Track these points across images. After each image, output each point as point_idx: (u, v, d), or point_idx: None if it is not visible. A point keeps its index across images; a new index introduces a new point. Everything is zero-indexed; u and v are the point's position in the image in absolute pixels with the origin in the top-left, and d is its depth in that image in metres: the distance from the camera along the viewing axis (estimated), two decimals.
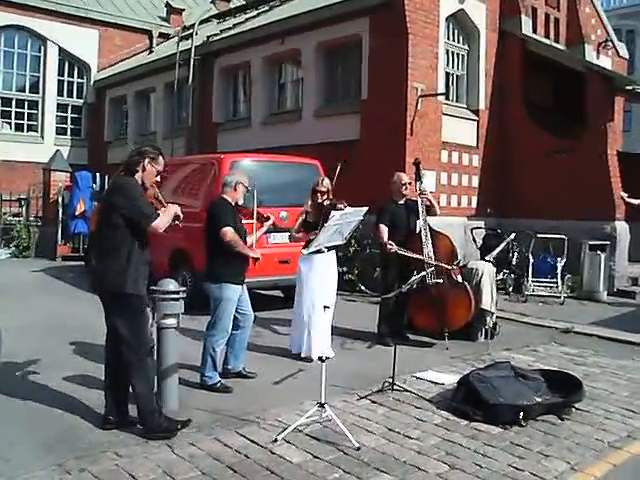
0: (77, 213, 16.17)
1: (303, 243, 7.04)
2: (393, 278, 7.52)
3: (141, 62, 20.93)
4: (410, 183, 7.85)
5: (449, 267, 7.64)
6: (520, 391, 5.16)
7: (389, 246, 7.45)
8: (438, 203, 8.49)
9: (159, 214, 4.62)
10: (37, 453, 4.22)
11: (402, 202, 7.82)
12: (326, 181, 7.15)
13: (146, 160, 4.66)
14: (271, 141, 14.32)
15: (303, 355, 6.79)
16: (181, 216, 4.80)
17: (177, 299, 5.09)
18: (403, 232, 7.72)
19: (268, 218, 6.28)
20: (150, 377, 4.68)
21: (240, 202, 6.06)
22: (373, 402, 5.42)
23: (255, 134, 15.54)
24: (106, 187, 14.80)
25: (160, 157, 4.75)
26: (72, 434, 4.54)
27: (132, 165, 4.68)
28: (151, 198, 4.82)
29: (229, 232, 5.75)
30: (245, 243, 5.97)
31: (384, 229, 7.62)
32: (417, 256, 7.47)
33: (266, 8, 18.56)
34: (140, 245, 4.61)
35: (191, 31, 18.59)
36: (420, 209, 7.64)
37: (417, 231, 7.75)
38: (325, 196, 6.99)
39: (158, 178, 4.80)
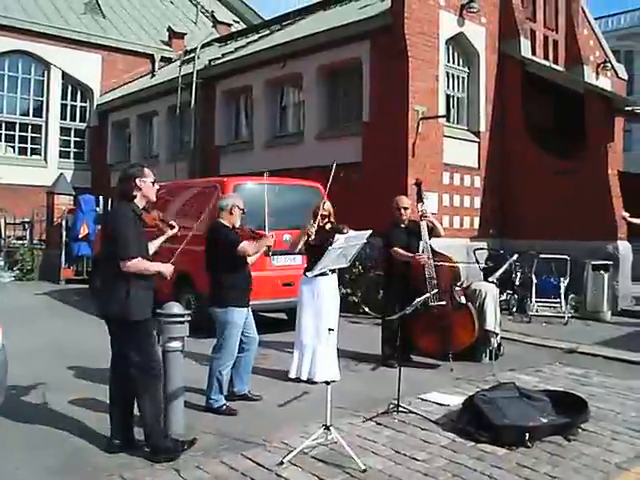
0: (80, 236, 16.20)
1: (305, 265, 7.07)
2: (395, 300, 7.52)
3: (143, 86, 21.10)
4: (407, 208, 7.81)
5: (451, 288, 7.65)
6: (526, 412, 5.16)
7: (418, 257, 7.46)
8: (441, 224, 8.50)
9: (134, 256, 4.52)
10: (43, 477, 4.22)
11: (404, 225, 7.83)
12: (327, 204, 7.15)
13: (137, 180, 4.68)
14: (273, 164, 14.29)
15: (305, 378, 6.77)
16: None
17: (182, 322, 5.11)
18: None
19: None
20: (158, 400, 4.68)
21: (237, 224, 6.07)
22: (378, 424, 5.41)
23: (257, 157, 15.60)
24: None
25: (144, 169, 4.79)
26: (78, 458, 4.54)
27: (127, 192, 4.70)
28: (156, 220, 4.88)
29: (246, 245, 5.77)
30: (246, 264, 6.00)
31: (400, 249, 7.58)
32: (446, 264, 7.55)
33: (267, 32, 18.78)
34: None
35: (193, 55, 18.80)
36: (422, 231, 7.66)
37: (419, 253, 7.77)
38: (326, 219, 7.01)
39: (157, 186, 4.84)
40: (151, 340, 4.70)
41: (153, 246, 4.93)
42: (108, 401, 4.82)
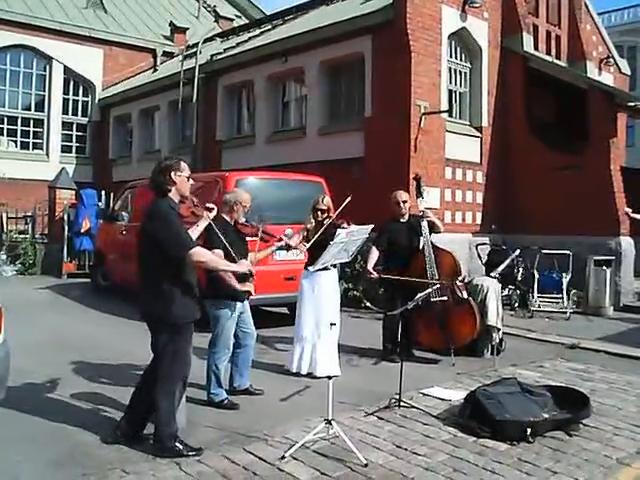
0: (83, 230, 16.21)
1: (305, 260, 7.07)
2: (396, 295, 7.51)
3: (145, 81, 21.08)
4: (406, 201, 7.78)
5: (452, 281, 7.64)
6: (527, 407, 5.16)
7: (370, 275, 7.50)
8: (442, 220, 8.48)
9: (198, 244, 4.59)
10: (45, 471, 4.23)
11: (404, 220, 7.81)
12: (326, 199, 7.14)
13: (172, 173, 4.55)
14: (275, 159, 14.38)
15: (306, 372, 6.77)
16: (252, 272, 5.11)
17: None
18: (406, 250, 7.69)
19: (279, 239, 6.27)
20: (176, 401, 4.63)
21: (240, 220, 6.07)
22: (380, 419, 5.42)
23: (259, 152, 15.61)
24: (111, 204, 14.85)
25: (182, 163, 4.64)
26: (80, 451, 4.55)
27: (162, 186, 4.57)
28: (191, 208, 4.83)
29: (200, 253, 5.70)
30: (244, 258, 5.95)
31: (374, 253, 7.62)
32: (402, 278, 7.41)
33: (269, 27, 18.75)
34: (186, 270, 4.56)
35: (195, 50, 18.75)
36: (423, 229, 7.64)
37: (420, 248, 7.76)
38: (325, 214, 6.98)
39: (191, 181, 4.70)
40: (188, 342, 4.66)
41: (194, 236, 4.80)
42: (131, 395, 4.78)
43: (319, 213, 6.98)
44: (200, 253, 4.55)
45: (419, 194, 7.97)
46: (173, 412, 4.59)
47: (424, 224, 7.64)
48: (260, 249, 6.10)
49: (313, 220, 6.99)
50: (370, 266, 7.55)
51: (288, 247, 6.44)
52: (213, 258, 4.81)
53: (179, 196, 4.64)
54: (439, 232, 7.84)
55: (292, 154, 14.29)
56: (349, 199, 6.57)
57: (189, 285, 4.61)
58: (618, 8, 31.61)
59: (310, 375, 6.71)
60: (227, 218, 5.97)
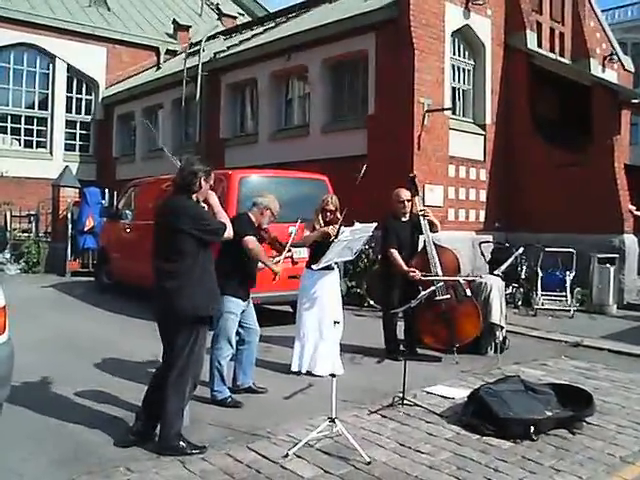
0: (86, 229, 16.21)
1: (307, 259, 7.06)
2: (397, 293, 7.51)
3: (149, 79, 21.09)
4: (409, 200, 7.74)
5: (457, 279, 7.64)
6: (531, 405, 5.16)
7: (412, 274, 7.39)
8: (446, 217, 8.47)
9: (226, 225, 4.71)
10: (50, 469, 4.24)
11: (406, 219, 7.78)
12: (335, 199, 7.06)
13: (202, 178, 4.61)
14: (278, 157, 14.38)
15: (305, 371, 6.77)
16: None
17: None
18: (409, 249, 7.68)
19: (289, 250, 6.29)
20: (185, 400, 4.63)
21: (264, 225, 6.13)
22: (383, 417, 5.42)
23: (262, 150, 15.61)
24: (115, 203, 14.85)
25: (212, 173, 4.74)
26: (84, 449, 4.55)
27: (189, 185, 4.60)
28: None
29: (250, 241, 5.76)
30: (256, 265, 6.04)
31: (396, 254, 7.49)
32: (441, 278, 7.44)
33: (272, 24, 18.73)
34: (210, 264, 4.64)
35: (198, 48, 18.74)
36: (424, 228, 7.64)
37: (421, 247, 7.76)
38: (333, 215, 6.96)
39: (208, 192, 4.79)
40: (204, 345, 4.68)
41: None
42: (144, 397, 4.76)
43: (327, 214, 6.93)
44: (230, 233, 4.76)
45: (416, 193, 7.97)
46: (181, 411, 4.59)
47: (424, 223, 7.64)
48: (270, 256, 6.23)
49: (322, 220, 6.94)
50: (405, 266, 7.44)
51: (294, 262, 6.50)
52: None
53: (196, 200, 4.70)
54: (436, 232, 7.83)
55: (295, 152, 14.28)
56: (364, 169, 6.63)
57: (212, 279, 4.68)
58: (622, 5, 31.64)
59: (311, 373, 6.71)
60: (252, 218, 6.04)
